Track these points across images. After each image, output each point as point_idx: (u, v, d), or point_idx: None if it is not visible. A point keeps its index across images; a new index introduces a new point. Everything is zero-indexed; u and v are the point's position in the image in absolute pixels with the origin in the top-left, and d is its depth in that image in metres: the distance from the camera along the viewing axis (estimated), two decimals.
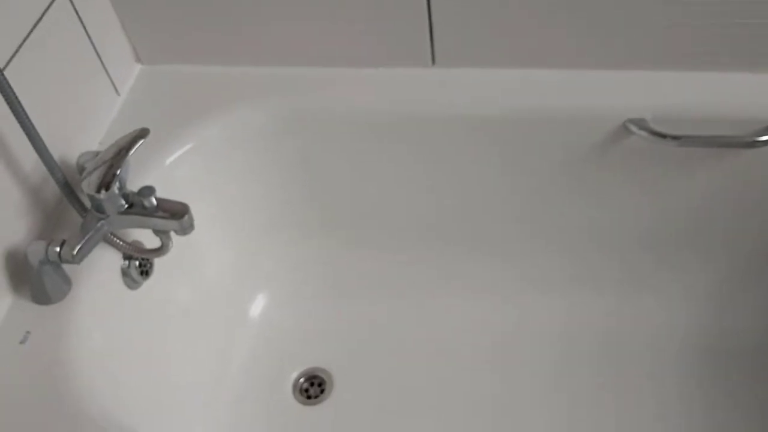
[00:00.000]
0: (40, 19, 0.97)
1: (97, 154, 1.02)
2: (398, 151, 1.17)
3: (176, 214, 0.92)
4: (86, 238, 0.90)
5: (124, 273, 1.02)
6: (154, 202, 0.92)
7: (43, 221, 1.00)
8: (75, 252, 0.89)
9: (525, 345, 1.24)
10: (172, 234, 0.96)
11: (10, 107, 0.84)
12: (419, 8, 1.05)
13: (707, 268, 1.21)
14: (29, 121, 0.86)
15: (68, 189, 0.95)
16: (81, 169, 1.01)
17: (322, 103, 1.14)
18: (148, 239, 1.00)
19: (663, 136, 1.04)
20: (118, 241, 0.98)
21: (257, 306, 1.29)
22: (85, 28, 1.07)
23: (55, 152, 0.95)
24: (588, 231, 1.20)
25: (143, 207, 0.92)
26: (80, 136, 1.08)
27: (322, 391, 1.26)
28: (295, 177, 1.19)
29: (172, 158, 1.04)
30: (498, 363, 1.24)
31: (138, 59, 1.22)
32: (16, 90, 0.84)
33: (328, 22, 1.10)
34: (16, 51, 0.93)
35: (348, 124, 1.15)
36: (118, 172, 0.90)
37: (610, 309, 1.25)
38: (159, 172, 1.03)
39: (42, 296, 0.93)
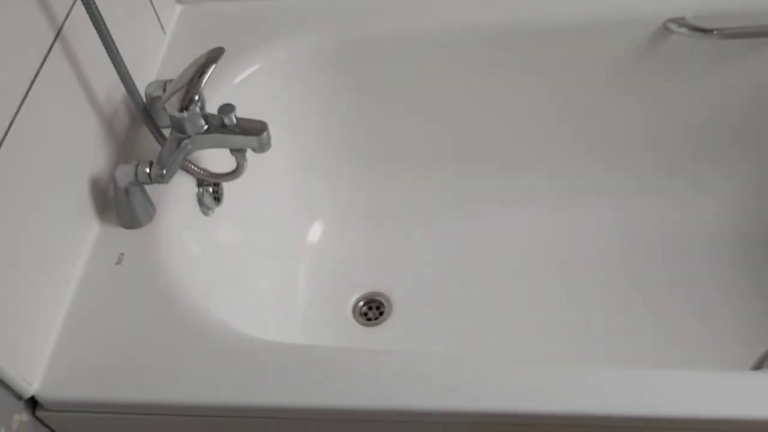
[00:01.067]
0: None
1: (164, 83, 1.04)
2: (441, 72, 1.20)
3: (256, 131, 0.95)
4: (172, 157, 0.93)
5: (199, 200, 1.05)
6: (234, 119, 0.94)
7: (117, 151, 1.02)
8: (164, 171, 0.92)
9: (579, 252, 1.29)
10: (248, 154, 0.99)
11: (98, 31, 0.86)
12: None
13: (759, 163, 1.26)
14: (114, 45, 0.88)
15: (147, 114, 0.97)
16: (150, 98, 1.04)
17: (369, 30, 1.17)
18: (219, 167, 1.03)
19: (704, 30, 1.09)
20: (193, 167, 1.01)
21: (315, 232, 1.33)
22: None
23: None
24: (635, 136, 1.25)
25: (223, 126, 0.94)
26: (135, 71, 1.09)
27: (381, 314, 1.30)
28: (349, 105, 1.22)
29: (240, 77, 1.07)
30: (554, 272, 1.28)
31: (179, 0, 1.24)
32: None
33: None
34: None
35: (392, 49, 1.18)
36: (200, 89, 0.92)
37: (664, 211, 1.30)
38: (228, 91, 1.05)
39: (131, 219, 0.95)
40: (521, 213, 1.34)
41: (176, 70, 0.95)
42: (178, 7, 1.24)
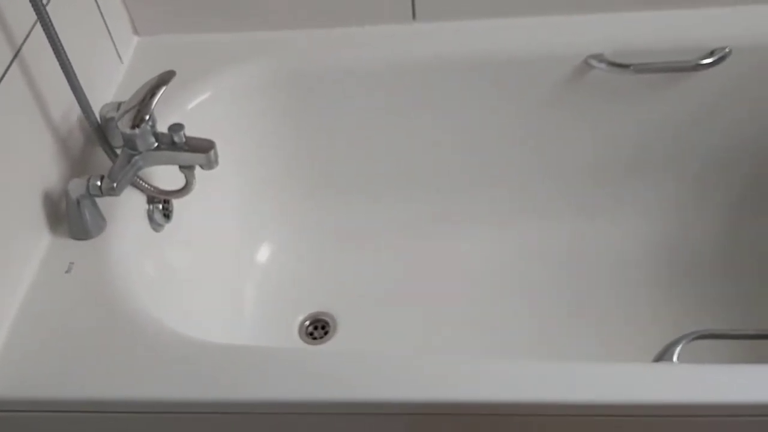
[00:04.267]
0: None
1: (118, 104, 1.10)
2: (384, 101, 1.28)
3: (204, 148, 1.01)
4: (123, 172, 0.98)
5: (149, 216, 1.10)
6: (183, 137, 1.00)
7: (71, 168, 1.07)
8: (115, 185, 0.97)
9: (522, 271, 1.37)
10: (196, 172, 1.05)
11: (56, 55, 0.92)
12: None
13: (667, 190, 1.37)
14: (71, 68, 0.94)
15: (101, 133, 1.02)
16: (104, 119, 1.09)
17: (316, 62, 1.25)
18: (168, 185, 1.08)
19: (621, 65, 1.19)
20: (144, 184, 1.06)
21: (263, 253, 1.38)
22: None
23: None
24: (568, 162, 1.35)
25: (172, 143, 1.00)
26: (92, 95, 1.15)
27: (326, 333, 1.35)
28: (297, 131, 1.29)
29: (192, 104, 1.14)
30: (498, 290, 1.35)
31: (135, 31, 1.31)
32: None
33: None
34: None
35: (339, 79, 1.26)
36: (151, 108, 0.98)
37: (602, 231, 1.40)
38: (181, 116, 1.11)
39: (81, 231, 1.00)
40: (464, 234, 1.42)
41: (131, 95, 1.02)
42: (136, 39, 1.31)
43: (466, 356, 0.87)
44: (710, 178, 1.34)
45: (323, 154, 1.34)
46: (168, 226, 1.13)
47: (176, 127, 1.00)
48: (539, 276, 1.35)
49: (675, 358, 0.83)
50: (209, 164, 1.02)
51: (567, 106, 1.26)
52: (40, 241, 1.00)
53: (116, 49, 1.24)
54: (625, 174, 1.35)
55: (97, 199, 1.00)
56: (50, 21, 0.91)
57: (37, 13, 0.91)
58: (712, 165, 1.32)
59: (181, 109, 1.15)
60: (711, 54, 1.18)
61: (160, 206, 1.11)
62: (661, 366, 0.81)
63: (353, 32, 1.26)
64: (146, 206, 1.09)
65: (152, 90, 1.00)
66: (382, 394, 0.81)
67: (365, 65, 1.25)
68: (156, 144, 1.01)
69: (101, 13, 1.18)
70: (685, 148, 1.31)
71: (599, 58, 1.21)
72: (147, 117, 0.98)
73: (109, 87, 1.21)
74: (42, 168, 1.01)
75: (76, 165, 1.08)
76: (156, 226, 1.11)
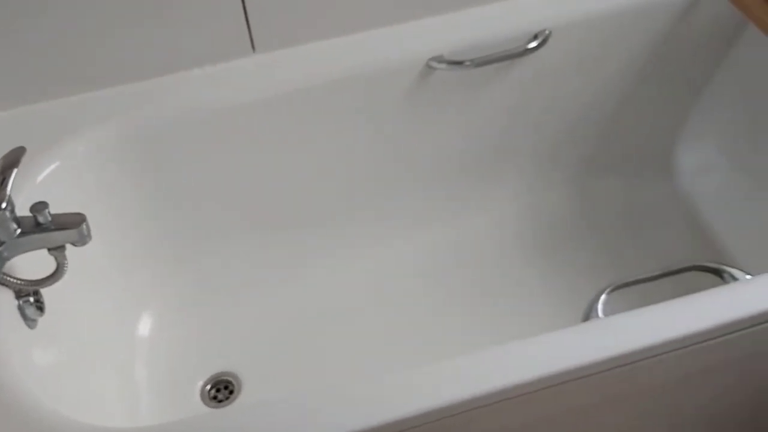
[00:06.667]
0: None
1: None
2: (239, 140, 1.24)
3: (74, 223, 0.92)
4: None
5: (22, 314, 0.98)
6: (49, 216, 0.90)
7: None
8: None
9: (403, 281, 1.38)
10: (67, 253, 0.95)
11: None
12: (234, 2, 1.15)
13: (523, 172, 1.45)
14: None
15: None
16: None
17: (161, 113, 1.19)
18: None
19: (459, 63, 1.26)
20: (9, 278, 0.94)
21: (145, 324, 1.28)
22: None
23: None
24: (424, 164, 1.38)
25: (37, 225, 0.90)
26: None
27: (231, 393, 1.28)
28: (155, 189, 1.22)
29: (42, 176, 1.03)
30: (394, 304, 1.35)
31: None
32: None
33: (145, 33, 1.15)
34: None
35: (188, 126, 1.20)
36: (7, 194, 0.87)
37: (454, 229, 1.45)
38: (31, 191, 1.01)
39: None
40: (345, 259, 1.40)
41: None
42: None
43: (384, 373, 0.84)
44: (561, 150, 1.45)
45: (188, 208, 1.27)
46: (43, 320, 1.01)
47: (39, 207, 0.90)
48: (432, 279, 1.38)
49: (600, 314, 0.88)
50: (82, 239, 0.93)
51: (420, 110, 1.31)
52: None
53: None
54: (486, 162, 1.42)
55: None
56: None
57: None
58: (559, 138, 1.43)
59: (30, 184, 1.04)
60: (535, 38, 1.28)
61: (31, 299, 0.99)
62: (593, 323, 0.85)
63: (195, 74, 1.21)
64: (15, 302, 0.97)
65: (3, 172, 0.89)
66: None
67: (211, 106, 1.21)
68: (18, 230, 0.90)
69: None
70: (534, 126, 1.41)
71: (439, 59, 1.26)
72: (3, 204, 0.87)
73: None
74: None
75: None
76: (30, 322, 0.99)
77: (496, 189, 1.46)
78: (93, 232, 1.13)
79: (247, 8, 1.17)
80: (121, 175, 1.18)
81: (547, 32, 1.28)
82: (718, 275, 0.91)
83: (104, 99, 1.17)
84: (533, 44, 1.27)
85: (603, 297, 0.88)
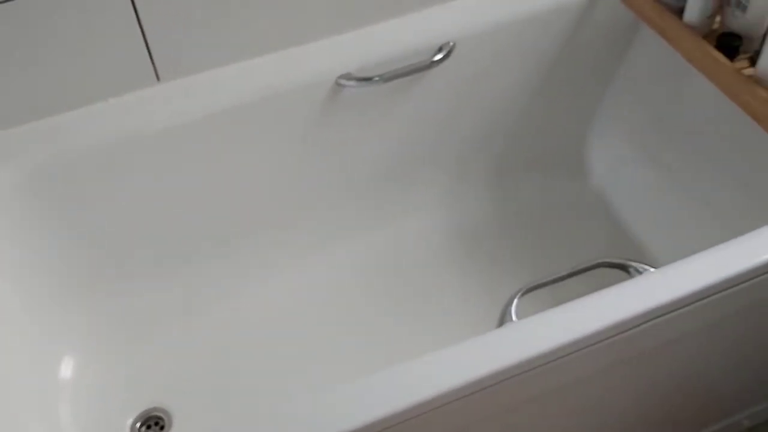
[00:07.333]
0: None
1: None
2: (145, 172, 1.22)
3: None
4: None
5: None
6: None
7: None
8: None
9: (336, 294, 1.39)
10: None
11: None
12: (133, 33, 1.14)
13: (441, 179, 1.47)
14: None
15: None
16: None
17: (65, 150, 1.16)
18: None
19: (368, 79, 1.27)
20: None
21: (67, 367, 1.24)
22: None
23: None
24: (343, 178, 1.39)
25: None
26: None
27: (162, 428, 1.25)
28: (66, 228, 1.19)
29: None
30: (321, 322, 1.35)
31: None
32: None
33: (47, 70, 1.13)
34: None
35: (94, 161, 1.18)
36: None
37: (375, 238, 1.46)
38: None
39: None
40: (273, 279, 1.40)
41: None
42: None
43: (321, 392, 0.84)
44: (476, 155, 1.48)
45: (100, 244, 1.24)
46: None
47: None
48: (358, 293, 1.39)
49: (514, 317, 0.90)
50: None
51: (333, 127, 1.31)
52: None
53: None
54: (404, 171, 1.44)
55: None
56: None
57: None
58: (473, 143, 1.46)
59: None
60: (440, 50, 1.30)
61: None
62: (507, 328, 0.87)
63: (99, 108, 1.19)
64: None
65: None
66: None
67: (116, 139, 1.19)
68: None
69: None
70: (447, 134, 1.43)
71: (347, 77, 1.27)
72: None
73: None
74: None
75: None
76: None
77: (415, 197, 1.48)
78: (3, 277, 1.11)
79: (148, 38, 1.16)
80: (28, 215, 1.15)
81: (451, 44, 1.30)
82: (625, 270, 0.94)
83: (7, 138, 1.14)
84: (438, 56, 1.29)
85: (515, 301, 0.90)
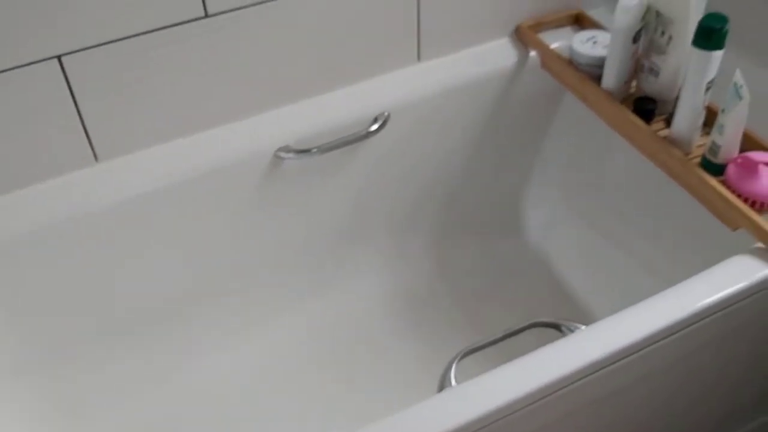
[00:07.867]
0: None
1: None
2: (83, 253, 1.22)
3: None
4: None
5: None
6: None
7: None
8: None
9: (276, 366, 1.39)
10: None
11: None
12: (70, 112, 1.15)
13: (382, 244, 1.50)
14: None
15: None
16: None
17: (4, 235, 1.16)
18: None
19: (306, 151, 1.30)
20: None
21: None
22: None
23: None
24: (292, 247, 1.41)
25: None
26: None
27: None
28: (3, 311, 1.17)
29: None
30: (265, 394, 1.36)
31: None
32: None
33: None
34: None
35: (29, 244, 1.17)
36: None
37: (319, 307, 1.48)
38: None
39: None
40: (215, 352, 1.40)
41: None
42: None
43: None
44: (415, 220, 1.51)
45: (42, 327, 1.23)
46: None
47: None
48: (304, 360, 1.39)
49: (453, 382, 0.91)
50: None
51: (274, 199, 1.34)
52: None
53: None
54: (344, 240, 1.46)
55: None
56: None
57: None
58: (412, 209, 1.50)
59: None
60: (375, 120, 1.34)
61: None
62: (445, 393, 0.88)
63: (37, 189, 1.19)
64: None
65: None
66: None
67: (53, 220, 1.18)
68: None
69: None
70: (386, 201, 1.47)
71: (286, 149, 1.30)
72: None
73: None
74: None
75: None
76: None
77: (357, 264, 1.50)
78: None
79: (84, 119, 1.17)
80: None
81: (386, 114, 1.35)
82: (557, 329, 0.97)
83: None
84: (374, 127, 1.34)
85: (454, 365, 0.92)
